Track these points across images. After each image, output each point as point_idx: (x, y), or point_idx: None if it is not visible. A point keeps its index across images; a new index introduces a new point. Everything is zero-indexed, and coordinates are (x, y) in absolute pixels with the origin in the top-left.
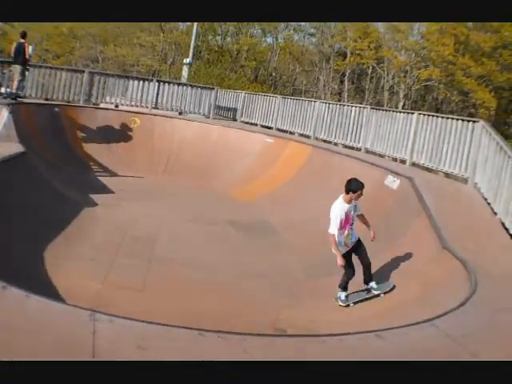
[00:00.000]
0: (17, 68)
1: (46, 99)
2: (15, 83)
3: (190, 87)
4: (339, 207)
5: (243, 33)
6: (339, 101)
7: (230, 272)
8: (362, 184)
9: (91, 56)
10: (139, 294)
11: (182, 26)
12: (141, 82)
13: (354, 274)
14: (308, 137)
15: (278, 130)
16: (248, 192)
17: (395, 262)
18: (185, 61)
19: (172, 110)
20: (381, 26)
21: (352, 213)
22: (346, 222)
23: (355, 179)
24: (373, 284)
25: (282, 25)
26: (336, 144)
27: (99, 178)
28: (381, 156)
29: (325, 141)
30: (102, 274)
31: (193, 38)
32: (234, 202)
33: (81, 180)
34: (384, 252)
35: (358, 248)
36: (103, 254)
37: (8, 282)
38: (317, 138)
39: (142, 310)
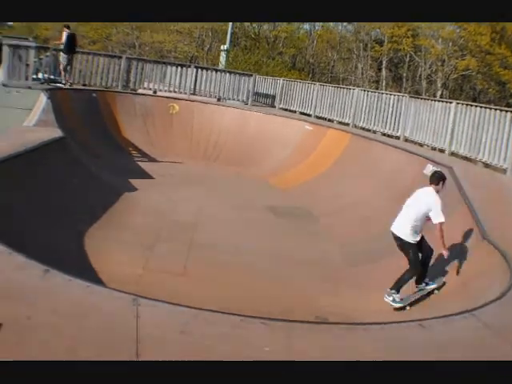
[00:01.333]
0: (67, 57)
1: (84, 85)
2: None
3: (228, 73)
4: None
5: None
6: (377, 88)
7: (269, 258)
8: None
9: (128, 42)
10: (180, 279)
11: None
12: (179, 68)
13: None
14: (347, 124)
15: (317, 117)
16: (287, 179)
17: (435, 253)
18: (222, 47)
19: (210, 97)
20: None
21: None
22: None
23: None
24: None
25: None
26: (375, 132)
27: (138, 163)
28: (420, 145)
29: (363, 128)
30: (142, 259)
31: (230, 24)
32: (274, 188)
33: (119, 165)
34: None
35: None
36: (144, 239)
37: (50, 265)
38: (355, 126)
39: (182, 294)
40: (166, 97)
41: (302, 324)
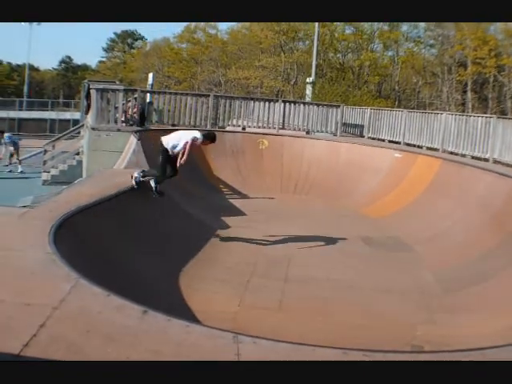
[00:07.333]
0: None
1: (173, 125)
2: None
3: (315, 106)
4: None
5: (364, 48)
6: (463, 111)
7: (365, 288)
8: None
9: (213, 80)
10: (276, 315)
11: (302, 45)
12: (266, 103)
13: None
14: (436, 150)
15: (406, 144)
16: (379, 208)
17: None
18: (308, 80)
19: (299, 130)
20: (498, 33)
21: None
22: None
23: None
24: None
25: (402, 38)
26: (464, 155)
27: (230, 200)
28: (509, 166)
29: (452, 153)
30: (237, 296)
31: (313, 56)
32: (366, 218)
33: (211, 203)
34: None
35: None
36: (238, 276)
37: (148, 306)
38: (445, 151)
39: (280, 330)
40: (255, 133)
41: (403, 354)
